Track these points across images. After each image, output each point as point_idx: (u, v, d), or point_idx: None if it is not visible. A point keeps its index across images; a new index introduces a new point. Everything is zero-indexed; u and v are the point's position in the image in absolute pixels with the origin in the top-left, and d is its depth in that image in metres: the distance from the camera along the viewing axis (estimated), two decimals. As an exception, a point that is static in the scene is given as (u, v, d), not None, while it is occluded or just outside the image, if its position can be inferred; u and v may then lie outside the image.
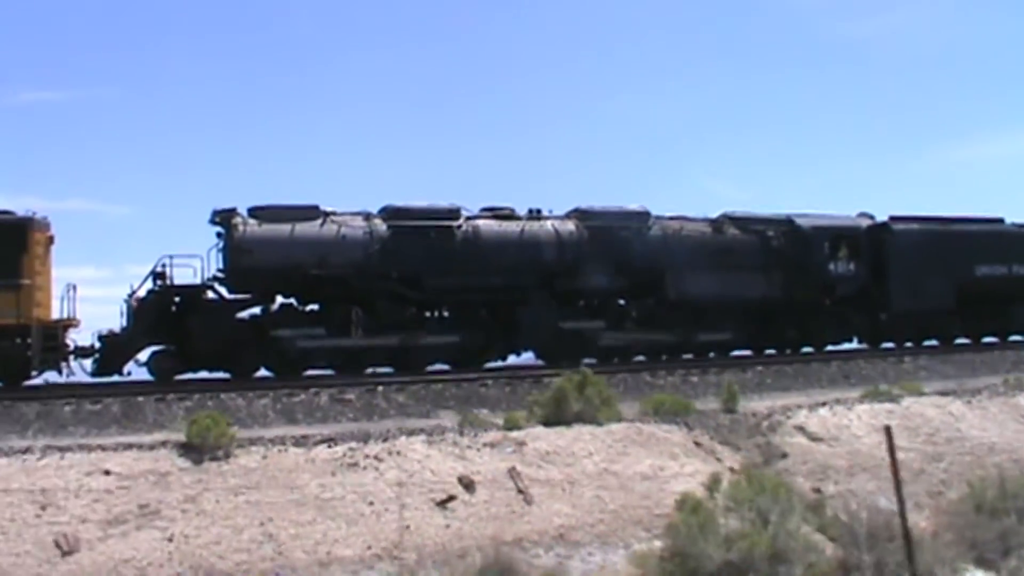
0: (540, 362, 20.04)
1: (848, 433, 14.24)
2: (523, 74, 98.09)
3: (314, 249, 18.45)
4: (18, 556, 8.85)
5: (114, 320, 17.98)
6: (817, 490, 12.36)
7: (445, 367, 19.16)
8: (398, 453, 11.35)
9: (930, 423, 15.05)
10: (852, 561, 9.77)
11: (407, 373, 17.68)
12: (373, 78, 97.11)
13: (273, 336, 17.85)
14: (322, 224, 18.79)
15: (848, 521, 10.32)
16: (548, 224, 20.70)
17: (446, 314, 19.82)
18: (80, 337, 17.46)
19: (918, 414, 15.27)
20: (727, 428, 13.86)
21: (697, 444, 13.10)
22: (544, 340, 20.03)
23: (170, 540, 9.39)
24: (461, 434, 12.18)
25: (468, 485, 10.97)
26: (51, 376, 16.95)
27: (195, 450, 10.83)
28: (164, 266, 17.80)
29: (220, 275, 18.37)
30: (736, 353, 22.06)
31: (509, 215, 20.62)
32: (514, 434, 12.39)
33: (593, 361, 18.77)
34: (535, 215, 20.90)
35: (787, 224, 23.25)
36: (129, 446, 10.99)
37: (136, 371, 17.46)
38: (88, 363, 17.29)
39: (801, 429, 14.10)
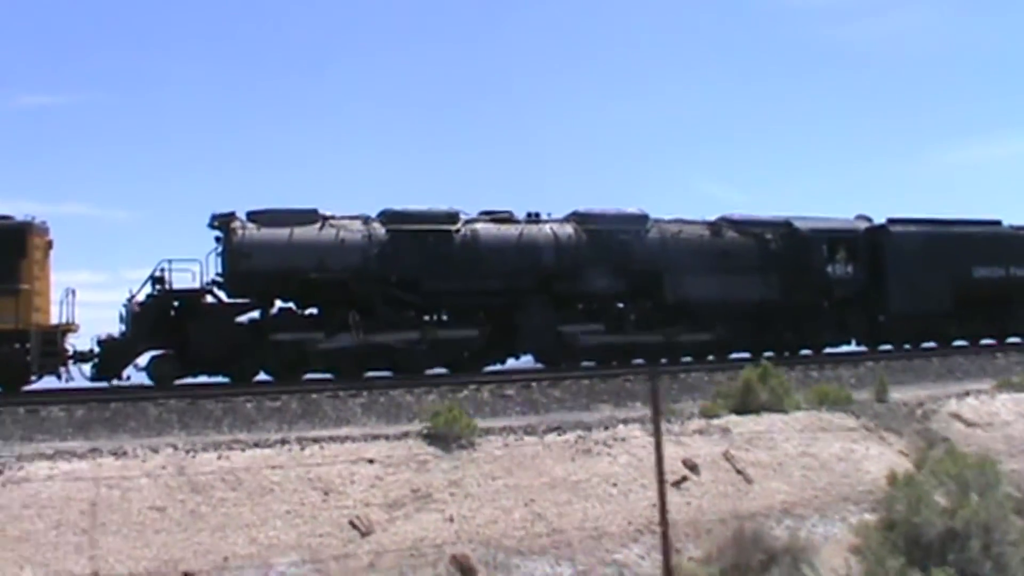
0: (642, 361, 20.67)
1: (999, 420, 15.02)
2: (522, 78, 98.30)
3: (313, 253, 18.44)
4: (321, 537, 9.29)
5: (112, 325, 18.04)
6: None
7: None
8: (623, 440, 12.01)
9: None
10: None
11: (557, 370, 18.65)
12: (371, 83, 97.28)
13: (272, 340, 17.84)
14: (321, 228, 18.78)
15: None
16: (546, 227, 20.72)
17: (444, 318, 19.82)
18: (79, 342, 17.50)
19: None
20: (886, 416, 14.54)
21: (867, 430, 13.93)
22: (543, 343, 20.08)
23: (451, 520, 9.88)
24: (669, 421, 12.70)
25: (693, 467, 11.64)
26: (49, 380, 16.93)
27: (440, 439, 11.26)
28: (163, 270, 17.79)
29: (219, 279, 18.37)
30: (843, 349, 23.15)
31: (507, 219, 20.63)
32: (715, 421, 13.16)
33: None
34: (533, 218, 20.92)
35: (785, 227, 23.27)
36: (375, 437, 11.34)
37: (135, 375, 17.45)
38: (87, 368, 17.27)
39: (956, 416, 14.87)
